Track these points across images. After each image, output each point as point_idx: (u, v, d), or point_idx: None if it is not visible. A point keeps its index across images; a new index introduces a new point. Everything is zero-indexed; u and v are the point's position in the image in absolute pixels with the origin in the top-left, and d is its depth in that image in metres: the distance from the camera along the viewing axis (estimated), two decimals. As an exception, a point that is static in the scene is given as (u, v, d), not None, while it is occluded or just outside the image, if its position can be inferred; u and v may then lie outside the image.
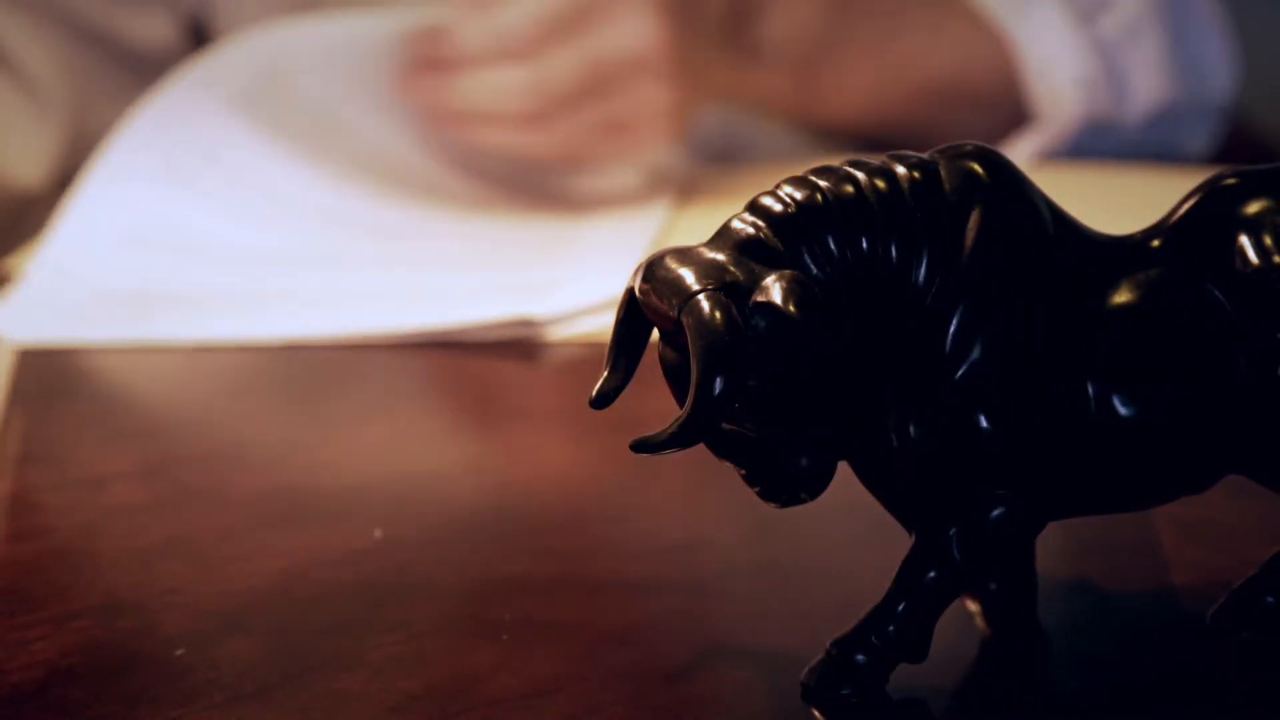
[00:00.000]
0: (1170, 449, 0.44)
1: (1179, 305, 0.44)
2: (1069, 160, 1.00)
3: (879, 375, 0.43)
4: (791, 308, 0.41)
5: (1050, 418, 0.43)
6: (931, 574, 0.44)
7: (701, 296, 0.41)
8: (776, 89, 0.99)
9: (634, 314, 0.43)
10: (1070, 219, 0.45)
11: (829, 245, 0.43)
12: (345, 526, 0.57)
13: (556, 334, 0.76)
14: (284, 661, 0.47)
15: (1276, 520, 0.51)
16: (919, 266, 0.43)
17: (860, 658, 0.44)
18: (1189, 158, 1.04)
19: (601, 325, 0.75)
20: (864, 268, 0.43)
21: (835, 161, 0.44)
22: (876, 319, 0.43)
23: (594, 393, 0.44)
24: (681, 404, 0.42)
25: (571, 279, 0.80)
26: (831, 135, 1.03)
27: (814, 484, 0.43)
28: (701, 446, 0.42)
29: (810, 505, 0.43)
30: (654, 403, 0.44)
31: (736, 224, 0.43)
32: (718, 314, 0.41)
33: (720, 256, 0.42)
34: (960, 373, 0.43)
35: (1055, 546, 0.47)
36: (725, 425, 0.42)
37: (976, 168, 0.44)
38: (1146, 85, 1.02)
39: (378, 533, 0.56)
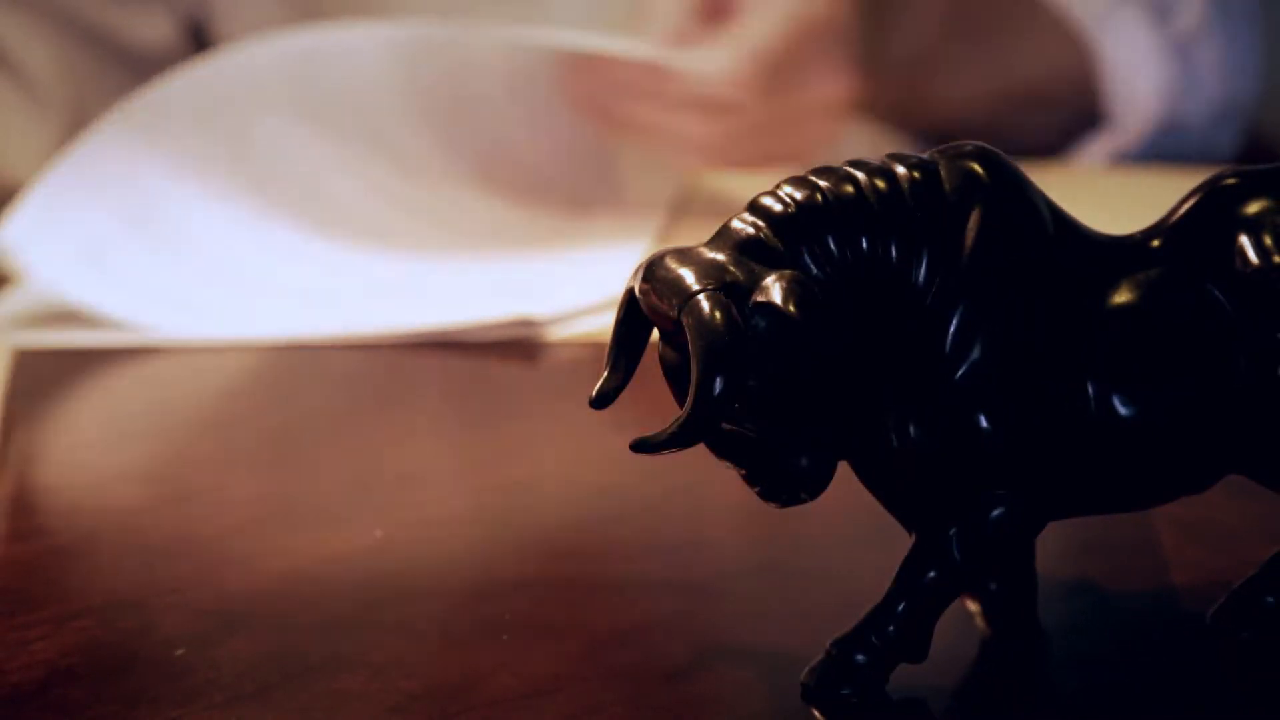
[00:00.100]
0: (1170, 449, 0.44)
1: (1179, 305, 0.44)
2: (1142, 163, 1.01)
3: (879, 375, 0.43)
4: (791, 308, 0.41)
5: (1050, 418, 0.43)
6: (931, 574, 0.44)
7: (701, 296, 0.41)
8: (887, 97, 1.01)
9: (634, 314, 0.43)
10: (1070, 219, 0.45)
11: (829, 245, 0.43)
12: (345, 526, 0.57)
13: (556, 334, 0.76)
14: (284, 661, 0.47)
15: (1276, 520, 0.51)
16: (919, 266, 0.43)
17: (860, 658, 0.44)
18: (1222, 160, 1.04)
19: (601, 325, 0.75)
20: (864, 268, 0.43)
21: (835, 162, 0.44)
22: (876, 319, 0.43)
23: (594, 393, 0.44)
24: (681, 404, 0.42)
25: (572, 279, 0.80)
26: (925, 136, 1.04)
27: (814, 484, 0.43)
28: (701, 446, 0.42)
29: (810, 505, 0.43)
30: (654, 403, 0.44)
31: (736, 224, 0.43)
32: (718, 314, 0.41)
33: (720, 256, 0.42)
34: (960, 373, 0.43)
35: (1055, 546, 0.47)
36: (725, 425, 0.42)
37: (976, 168, 0.44)
38: (1211, 87, 1.03)
39: (378, 533, 0.56)
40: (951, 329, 0.43)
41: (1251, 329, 0.44)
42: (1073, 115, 1.03)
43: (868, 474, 0.45)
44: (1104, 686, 0.45)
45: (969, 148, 0.45)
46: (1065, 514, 0.45)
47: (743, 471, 0.43)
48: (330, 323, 0.77)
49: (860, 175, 0.44)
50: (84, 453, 0.66)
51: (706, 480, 0.57)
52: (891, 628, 0.44)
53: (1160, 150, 1.03)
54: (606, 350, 0.44)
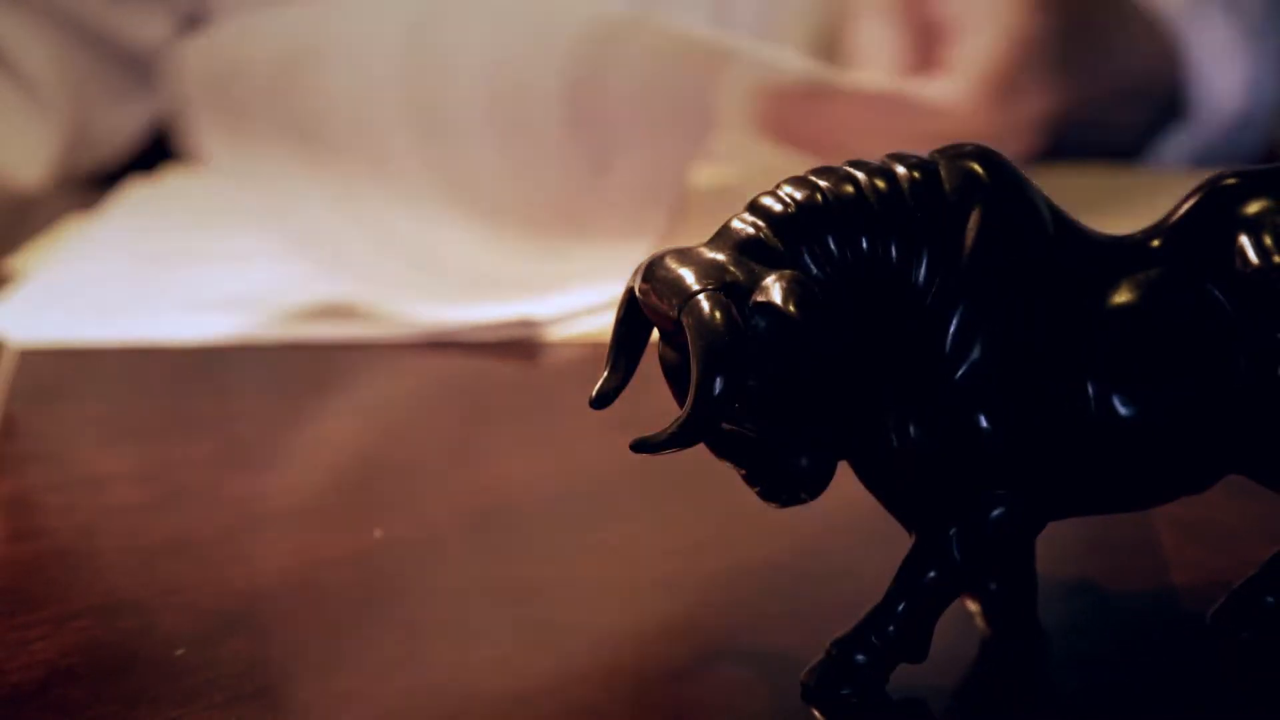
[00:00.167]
0: (1170, 449, 0.44)
1: (1179, 305, 0.44)
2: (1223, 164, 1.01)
3: (879, 375, 0.43)
4: (791, 308, 0.41)
5: (1050, 418, 0.43)
6: (931, 574, 0.44)
7: (701, 296, 0.41)
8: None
9: (634, 314, 0.43)
10: (1070, 219, 0.45)
11: (829, 245, 0.43)
12: (345, 526, 0.57)
13: (556, 334, 0.76)
14: (284, 661, 0.47)
15: (1276, 520, 0.51)
16: (919, 266, 0.43)
17: (860, 658, 0.44)
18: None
19: (601, 325, 0.75)
20: (864, 268, 0.43)
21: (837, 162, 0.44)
22: (876, 319, 0.43)
23: (594, 393, 0.44)
24: (681, 404, 0.42)
25: (573, 277, 0.80)
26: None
27: (814, 484, 0.43)
28: (701, 446, 0.42)
29: (810, 505, 0.43)
30: (654, 403, 0.44)
31: (736, 224, 0.43)
32: (718, 314, 0.41)
33: (720, 256, 0.42)
34: (960, 373, 0.43)
35: (1055, 546, 0.47)
36: (725, 425, 0.42)
37: (976, 168, 0.44)
38: (1271, 85, 1.03)
39: (378, 533, 0.56)
40: (951, 329, 0.43)
41: (1251, 329, 0.44)
42: (1155, 111, 1.03)
43: (868, 474, 0.45)
44: (1104, 686, 0.45)
45: (969, 148, 0.45)
46: (1065, 514, 0.45)
47: (743, 471, 0.43)
48: (329, 322, 0.77)
49: (860, 175, 0.44)
50: (84, 453, 0.66)
51: (707, 480, 0.57)
52: (891, 628, 0.44)
53: (1236, 149, 1.02)
54: (606, 350, 0.44)
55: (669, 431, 0.41)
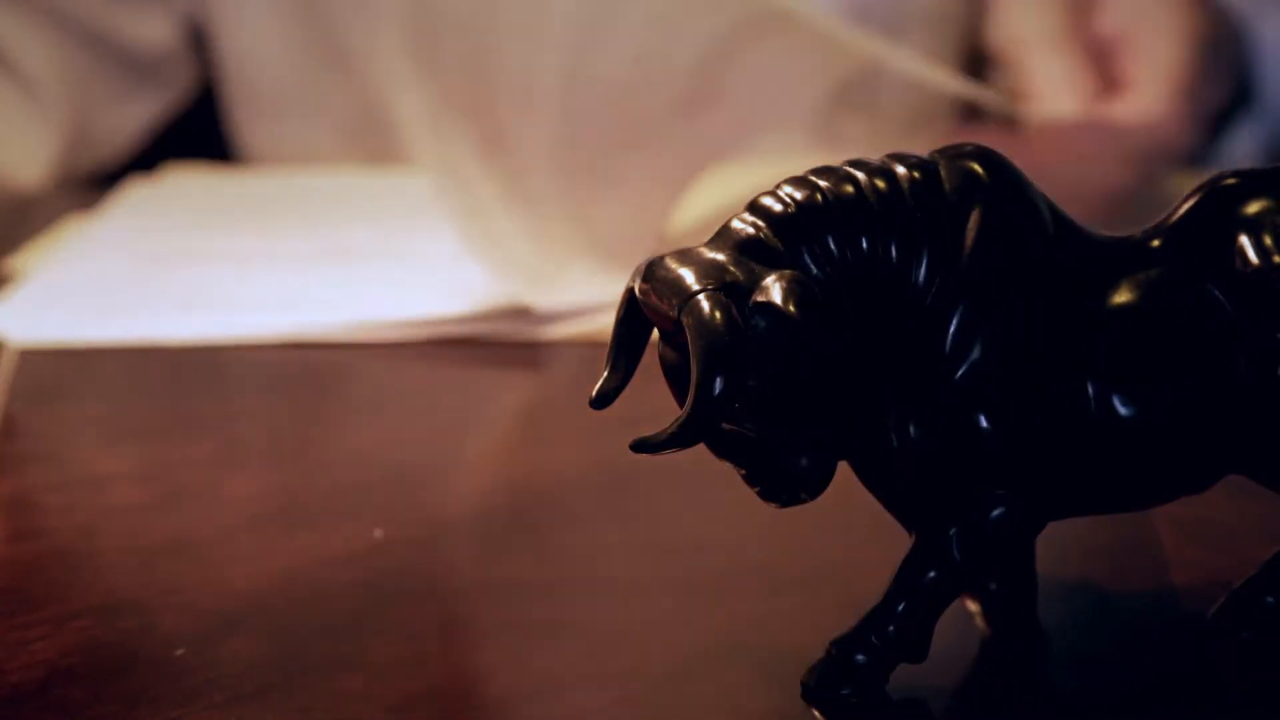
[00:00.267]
0: (1170, 449, 0.44)
1: (1179, 305, 0.44)
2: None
3: (879, 375, 0.43)
4: (791, 308, 0.41)
5: (1050, 418, 0.43)
6: (931, 574, 0.44)
7: (701, 296, 0.41)
8: None
9: (634, 314, 0.43)
10: (1070, 219, 0.45)
11: (829, 245, 0.43)
12: (345, 526, 0.57)
13: (556, 334, 0.76)
14: (284, 661, 0.47)
15: (1276, 520, 0.51)
16: (919, 266, 0.43)
17: (860, 658, 0.44)
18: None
19: (601, 325, 0.75)
20: (864, 268, 0.43)
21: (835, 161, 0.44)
22: (876, 319, 0.43)
23: (594, 393, 0.43)
24: (681, 404, 0.42)
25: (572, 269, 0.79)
26: None
27: (814, 484, 0.43)
28: (701, 446, 0.42)
29: (810, 505, 0.43)
30: (654, 403, 0.44)
31: (736, 224, 0.43)
32: (718, 314, 0.41)
33: (720, 256, 0.42)
34: (960, 373, 0.43)
35: (1055, 546, 0.47)
36: (725, 425, 0.42)
37: (976, 168, 0.44)
38: None
39: (378, 533, 0.56)
40: (951, 329, 0.43)
41: (1251, 329, 0.44)
42: (1222, 101, 1.02)
43: (868, 474, 0.45)
44: (1104, 686, 0.45)
45: (969, 148, 0.45)
46: (1065, 514, 0.45)
47: (743, 471, 0.43)
48: (326, 314, 0.77)
49: (860, 175, 0.44)
50: (84, 453, 0.66)
51: (706, 480, 0.57)
52: (891, 628, 0.44)
53: None
54: (606, 350, 0.44)
55: (669, 431, 0.41)
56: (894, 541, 0.45)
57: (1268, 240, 0.44)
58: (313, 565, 0.54)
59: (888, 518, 0.45)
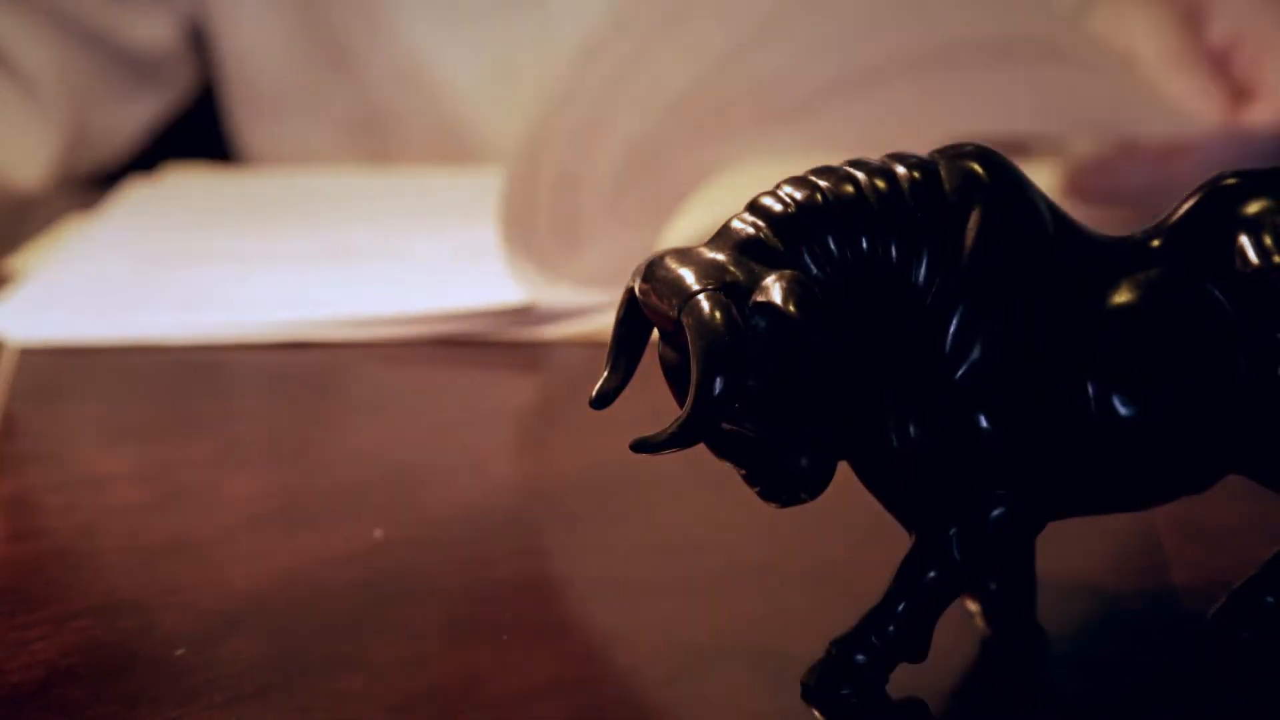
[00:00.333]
0: (1170, 449, 0.44)
1: (1179, 305, 0.44)
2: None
3: (879, 375, 0.43)
4: (791, 308, 0.41)
5: (1050, 418, 0.43)
6: (931, 574, 0.44)
7: (701, 296, 0.41)
8: None
9: (634, 314, 0.43)
10: (1070, 219, 0.45)
11: (829, 245, 0.43)
12: (345, 526, 0.57)
13: (556, 334, 0.76)
14: (284, 661, 0.47)
15: (1276, 520, 0.51)
16: (919, 266, 0.43)
17: (860, 658, 0.44)
18: None
19: (601, 325, 0.75)
20: (864, 268, 0.43)
21: (835, 161, 0.44)
22: (876, 319, 0.43)
23: (594, 393, 0.44)
24: (681, 404, 0.42)
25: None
26: None
27: (814, 484, 0.43)
28: (701, 446, 0.42)
29: (810, 505, 0.43)
30: (654, 403, 0.44)
31: (736, 224, 0.43)
32: (718, 314, 0.41)
33: (720, 256, 0.42)
34: (960, 373, 0.43)
35: (1055, 546, 0.47)
36: (725, 425, 0.42)
37: (976, 168, 0.44)
38: None
39: (378, 533, 0.56)
40: (951, 329, 0.43)
41: (1251, 329, 0.44)
42: None
43: (868, 474, 0.45)
44: (1104, 686, 0.45)
45: (969, 148, 0.45)
46: (1065, 514, 0.45)
47: (743, 471, 0.43)
48: (326, 307, 0.77)
49: (860, 175, 0.44)
50: (84, 453, 0.66)
51: (706, 480, 0.57)
52: (891, 628, 0.44)
53: None
54: (606, 350, 0.44)
55: (669, 431, 0.41)
56: (894, 541, 0.45)
57: (1268, 240, 0.44)
58: (313, 565, 0.54)
59: (888, 518, 0.45)
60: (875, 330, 0.43)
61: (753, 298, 0.41)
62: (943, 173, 0.44)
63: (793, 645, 0.46)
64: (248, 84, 1.16)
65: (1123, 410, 0.44)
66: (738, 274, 0.41)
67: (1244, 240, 0.45)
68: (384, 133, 1.15)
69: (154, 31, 1.14)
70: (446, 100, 1.12)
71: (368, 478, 0.63)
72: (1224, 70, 0.93)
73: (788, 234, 0.43)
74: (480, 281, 0.79)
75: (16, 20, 1.10)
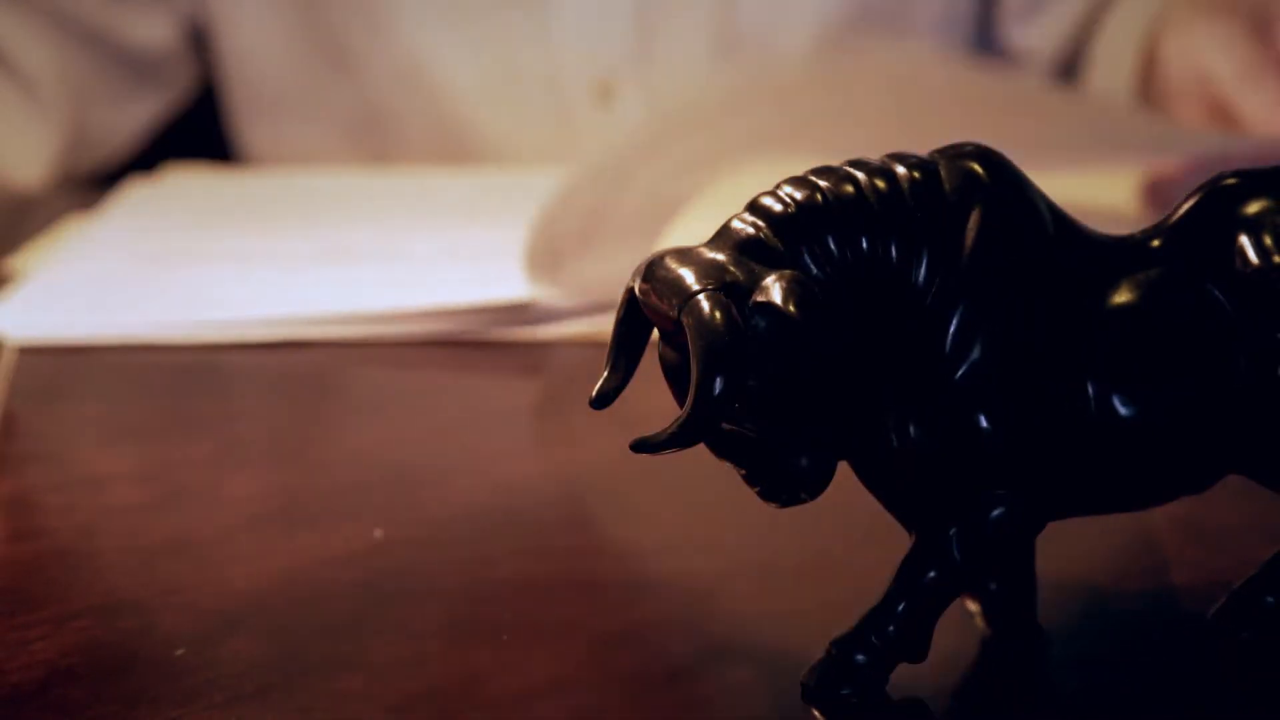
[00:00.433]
0: (1170, 449, 0.44)
1: (1179, 305, 0.44)
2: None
3: (879, 375, 0.43)
4: (791, 308, 0.41)
5: (1050, 418, 0.43)
6: (931, 574, 0.44)
7: (701, 296, 0.41)
8: None
9: (634, 314, 0.43)
10: (1070, 219, 0.45)
11: (829, 245, 0.43)
12: (345, 526, 0.57)
13: (556, 334, 0.76)
14: (284, 661, 0.47)
15: (1276, 520, 0.51)
16: (919, 266, 0.43)
17: (860, 658, 0.44)
18: None
19: (601, 325, 0.75)
20: (864, 268, 0.43)
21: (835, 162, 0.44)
22: (876, 319, 0.43)
23: (594, 393, 0.44)
24: (681, 404, 0.42)
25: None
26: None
27: (814, 484, 0.43)
28: (701, 446, 0.42)
29: (810, 505, 0.43)
30: (654, 402, 0.44)
31: (736, 224, 0.43)
32: (718, 314, 0.41)
33: (720, 256, 0.42)
34: (960, 373, 0.43)
35: (1055, 546, 0.47)
36: (725, 425, 0.42)
37: (976, 168, 0.44)
38: None
39: (378, 533, 0.56)
40: (951, 329, 0.43)
41: (1251, 329, 0.44)
42: None
43: (868, 474, 0.45)
44: (1104, 686, 0.45)
45: (969, 148, 0.45)
46: (1065, 514, 0.45)
47: (743, 471, 0.43)
48: (327, 303, 0.77)
49: (860, 175, 0.44)
50: (84, 453, 0.66)
51: (706, 480, 0.57)
52: (891, 628, 0.44)
53: None
54: (606, 350, 0.44)
55: (669, 431, 0.41)
56: (894, 541, 0.45)
57: (1268, 240, 0.44)
58: (313, 565, 0.54)
59: (888, 517, 0.45)
60: (875, 330, 0.43)
61: (753, 298, 0.41)
62: (943, 173, 0.44)
63: (793, 645, 0.46)
64: (248, 84, 1.16)
65: (1123, 410, 0.44)
66: (738, 274, 0.41)
67: (1244, 240, 0.45)
68: (384, 133, 1.15)
69: (154, 31, 1.14)
70: (446, 100, 1.12)
71: (368, 478, 0.63)
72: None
73: (788, 234, 0.43)
74: (479, 280, 0.79)
75: (16, 20, 1.10)
